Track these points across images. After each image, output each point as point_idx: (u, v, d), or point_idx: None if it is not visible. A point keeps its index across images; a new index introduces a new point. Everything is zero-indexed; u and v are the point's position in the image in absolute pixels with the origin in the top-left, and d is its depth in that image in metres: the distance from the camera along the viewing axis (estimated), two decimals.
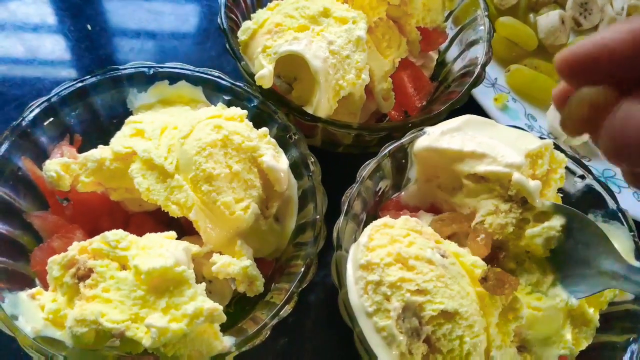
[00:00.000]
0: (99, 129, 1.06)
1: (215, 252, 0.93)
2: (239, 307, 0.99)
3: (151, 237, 0.86)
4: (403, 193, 1.07)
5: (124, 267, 0.82)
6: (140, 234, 0.88)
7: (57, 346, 0.80)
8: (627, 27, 0.52)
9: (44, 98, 0.98)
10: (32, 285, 0.90)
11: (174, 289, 0.78)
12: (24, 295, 0.84)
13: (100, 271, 0.80)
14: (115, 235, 0.84)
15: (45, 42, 1.42)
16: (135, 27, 1.49)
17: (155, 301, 0.78)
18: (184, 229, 0.96)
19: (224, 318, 0.81)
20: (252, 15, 1.21)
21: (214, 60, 1.45)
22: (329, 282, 1.15)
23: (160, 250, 0.82)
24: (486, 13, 1.26)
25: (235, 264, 0.89)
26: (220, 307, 0.80)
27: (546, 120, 1.45)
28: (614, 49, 0.52)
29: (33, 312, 0.82)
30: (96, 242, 0.84)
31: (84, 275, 0.81)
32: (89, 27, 1.45)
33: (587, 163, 1.24)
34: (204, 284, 0.82)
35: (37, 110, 0.97)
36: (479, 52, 1.22)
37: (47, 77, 1.36)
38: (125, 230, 0.87)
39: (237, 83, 1.08)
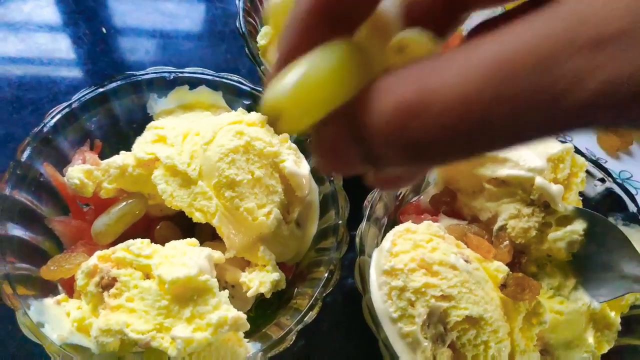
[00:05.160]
0: (119, 134, 1.05)
1: (237, 257, 0.92)
2: (260, 311, 0.98)
3: (174, 245, 0.86)
4: (422, 197, 1.07)
5: (147, 276, 0.82)
6: (161, 238, 0.88)
7: (83, 353, 0.79)
8: None
9: (65, 104, 0.98)
10: (55, 291, 0.90)
11: (198, 298, 0.78)
12: (50, 301, 0.84)
13: (124, 280, 0.80)
14: (138, 243, 0.84)
15: (60, 45, 1.41)
16: (150, 30, 1.49)
17: (179, 310, 0.77)
18: (202, 233, 0.95)
19: (248, 326, 0.81)
20: None
21: (230, 63, 1.45)
22: (346, 284, 1.15)
23: (184, 258, 0.81)
24: None
25: (266, 281, 0.89)
26: (244, 316, 0.80)
27: None
28: None
29: (59, 319, 0.82)
30: (119, 250, 0.83)
31: (107, 284, 0.81)
32: (103, 30, 1.45)
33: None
34: (226, 291, 0.82)
35: (58, 116, 0.96)
36: None
37: (63, 81, 1.36)
38: (146, 235, 0.88)
39: (257, 88, 1.07)
